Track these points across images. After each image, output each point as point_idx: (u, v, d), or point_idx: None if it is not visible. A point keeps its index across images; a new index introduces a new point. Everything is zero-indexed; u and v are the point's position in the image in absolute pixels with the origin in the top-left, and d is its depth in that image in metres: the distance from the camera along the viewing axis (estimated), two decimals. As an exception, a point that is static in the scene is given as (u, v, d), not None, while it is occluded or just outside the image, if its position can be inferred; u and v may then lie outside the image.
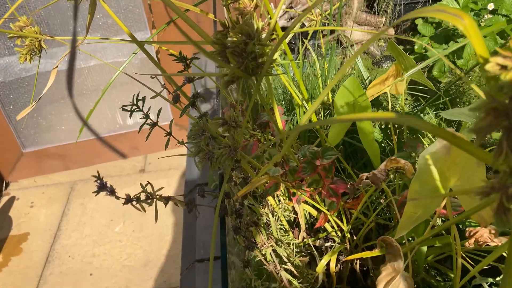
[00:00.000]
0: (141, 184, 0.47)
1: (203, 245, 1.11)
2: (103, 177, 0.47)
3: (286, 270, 0.62)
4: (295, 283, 0.60)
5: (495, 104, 0.23)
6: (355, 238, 0.79)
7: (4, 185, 2.36)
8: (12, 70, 2.10)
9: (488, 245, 0.59)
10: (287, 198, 0.78)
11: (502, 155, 0.24)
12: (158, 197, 0.48)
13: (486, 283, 0.62)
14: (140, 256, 1.92)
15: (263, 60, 0.39)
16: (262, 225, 0.59)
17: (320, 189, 0.64)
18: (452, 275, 0.80)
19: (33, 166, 2.39)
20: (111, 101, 2.31)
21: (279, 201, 0.80)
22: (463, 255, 0.63)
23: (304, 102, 0.69)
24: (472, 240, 0.59)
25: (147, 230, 2.03)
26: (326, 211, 0.68)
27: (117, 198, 0.48)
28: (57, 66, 0.61)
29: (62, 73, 2.16)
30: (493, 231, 0.58)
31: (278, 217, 0.74)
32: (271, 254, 0.59)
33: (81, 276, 1.87)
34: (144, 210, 0.47)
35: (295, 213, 0.85)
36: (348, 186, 0.58)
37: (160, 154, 2.41)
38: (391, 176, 0.64)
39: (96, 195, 0.47)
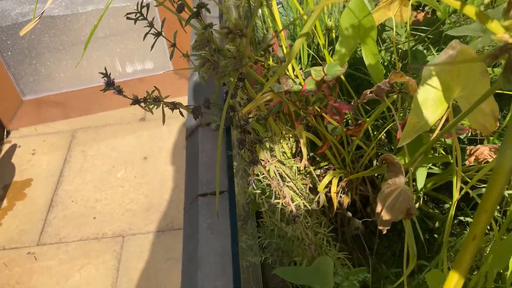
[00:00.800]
0: (147, 92, 0.47)
1: (207, 181, 1.13)
2: (110, 73, 0.47)
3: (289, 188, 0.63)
4: (298, 199, 0.61)
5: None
6: (356, 165, 0.80)
7: (5, 133, 2.37)
8: (8, 15, 2.06)
9: (487, 162, 0.60)
10: (289, 128, 0.78)
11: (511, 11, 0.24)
12: (164, 102, 0.48)
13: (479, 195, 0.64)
14: (142, 201, 1.95)
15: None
16: (266, 144, 0.60)
17: (322, 110, 0.64)
18: (451, 203, 0.82)
19: (33, 114, 2.39)
20: (110, 49, 2.28)
21: (282, 133, 0.81)
22: (463, 174, 0.64)
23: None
24: (472, 158, 0.60)
25: (149, 177, 2.05)
26: (329, 136, 0.68)
27: (125, 96, 0.49)
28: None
29: (60, 19, 2.13)
30: (493, 149, 0.59)
31: (281, 145, 0.75)
32: (274, 171, 0.60)
33: (84, 219, 1.91)
34: (151, 112, 0.48)
35: (297, 145, 0.85)
36: (352, 103, 0.59)
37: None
38: (395, 96, 0.64)
39: (104, 92, 0.47)
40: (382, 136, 0.93)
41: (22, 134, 2.38)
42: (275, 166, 0.59)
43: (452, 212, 0.54)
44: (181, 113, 0.51)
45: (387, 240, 0.91)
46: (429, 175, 0.80)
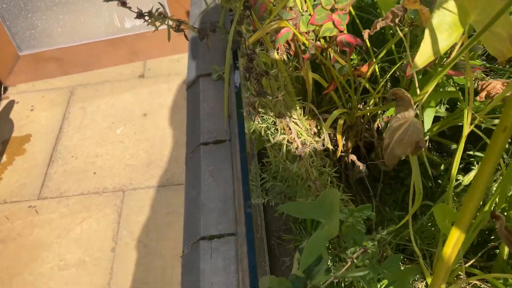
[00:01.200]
0: (151, 9, 0.45)
1: (208, 131, 1.12)
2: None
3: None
4: (304, 134, 0.60)
5: None
6: (362, 107, 0.79)
7: (2, 89, 2.34)
8: (3, -36, 2.00)
9: (499, 98, 0.58)
10: (296, 64, 0.76)
11: None
12: (170, 18, 0.46)
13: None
14: (143, 156, 1.95)
15: None
16: (272, 77, 0.59)
17: (330, 44, 0.62)
18: (455, 146, 0.81)
19: (30, 70, 2.35)
20: (109, 3, 2.23)
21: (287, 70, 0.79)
22: (473, 112, 0.63)
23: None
24: (483, 93, 0.58)
25: (148, 133, 2.04)
26: (335, 72, 0.67)
27: (129, 8, 0.47)
28: None
29: (56, -30, 2.07)
30: (505, 83, 0.57)
31: (285, 84, 0.73)
32: (280, 106, 0.59)
33: (85, 174, 1.91)
34: (157, 28, 0.46)
35: (304, 88, 0.84)
36: (363, 33, 0.57)
37: (160, 60, 2.36)
38: (406, 29, 0.62)
39: (107, 2, 0.45)
40: (388, 84, 0.91)
41: (20, 90, 2.35)
42: (283, 100, 0.57)
43: (462, 145, 0.53)
44: (185, 37, 0.50)
45: (389, 188, 0.91)
46: (435, 120, 0.79)
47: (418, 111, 0.64)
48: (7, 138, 2.11)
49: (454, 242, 0.32)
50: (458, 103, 0.87)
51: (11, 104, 2.28)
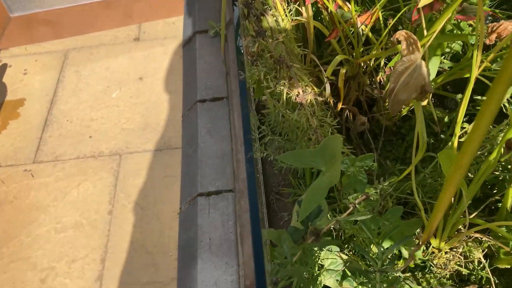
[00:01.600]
0: None
1: (205, 87, 1.09)
2: None
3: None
4: (306, 80, 0.58)
5: None
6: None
7: (-6, 52, 2.29)
8: None
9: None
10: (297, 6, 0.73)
11: None
12: None
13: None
14: (139, 120, 1.92)
15: None
16: (271, 18, 0.56)
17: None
18: (460, 96, 0.79)
19: (23, 33, 2.29)
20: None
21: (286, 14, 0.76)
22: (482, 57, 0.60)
23: None
24: (493, 36, 0.56)
25: (144, 97, 2.01)
26: (337, 15, 0.64)
27: None
28: None
29: None
30: (517, 25, 0.55)
31: (285, 30, 0.70)
32: (281, 49, 0.56)
33: (80, 138, 1.89)
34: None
35: (304, 36, 0.81)
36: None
37: (155, 23, 2.30)
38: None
39: None
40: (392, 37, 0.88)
41: (12, 53, 2.30)
42: (283, 43, 0.55)
43: (470, 88, 0.51)
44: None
45: (390, 145, 0.89)
46: (438, 75, 0.76)
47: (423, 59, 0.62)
48: (0, 102, 2.07)
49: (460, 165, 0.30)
50: (461, 59, 0.84)
51: (3, 67, 2.23)
